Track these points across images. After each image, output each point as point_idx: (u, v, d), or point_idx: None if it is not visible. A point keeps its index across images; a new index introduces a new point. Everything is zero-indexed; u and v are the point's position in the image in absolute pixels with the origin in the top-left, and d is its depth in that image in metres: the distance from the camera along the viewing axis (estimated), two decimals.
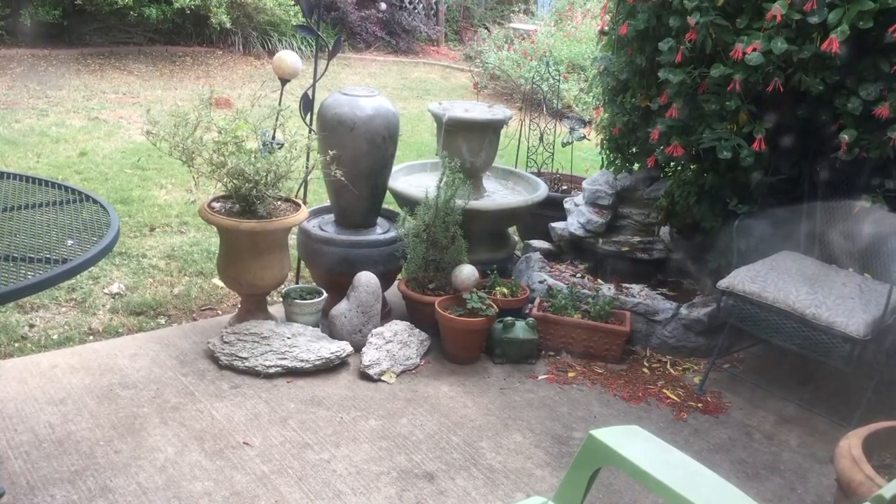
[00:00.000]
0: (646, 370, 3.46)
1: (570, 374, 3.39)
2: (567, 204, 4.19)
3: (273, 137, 3.34)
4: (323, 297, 3.55)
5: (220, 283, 3.83)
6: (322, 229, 3.70)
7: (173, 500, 2.43)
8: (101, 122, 7.03)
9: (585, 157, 6.23)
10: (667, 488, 1.42)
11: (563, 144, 4.88)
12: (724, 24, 3.06)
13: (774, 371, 3.50)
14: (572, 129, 4.87)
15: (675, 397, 3.25)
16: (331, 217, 3.83)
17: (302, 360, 3.18)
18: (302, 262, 3.94)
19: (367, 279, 3.45)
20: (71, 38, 9.48)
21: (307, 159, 3.50)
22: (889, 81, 2.86)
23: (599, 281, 3.84)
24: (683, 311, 3.56)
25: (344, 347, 3.29)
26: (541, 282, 3.77)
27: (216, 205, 3.33)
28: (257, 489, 2.51)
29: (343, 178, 3.31)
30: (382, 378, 3.21)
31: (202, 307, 3.83)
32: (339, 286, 3.55)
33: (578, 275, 3.90)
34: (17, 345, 3.34)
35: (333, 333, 3.42)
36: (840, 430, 2.74)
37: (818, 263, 3.28)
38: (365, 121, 3.46)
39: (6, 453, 2.58)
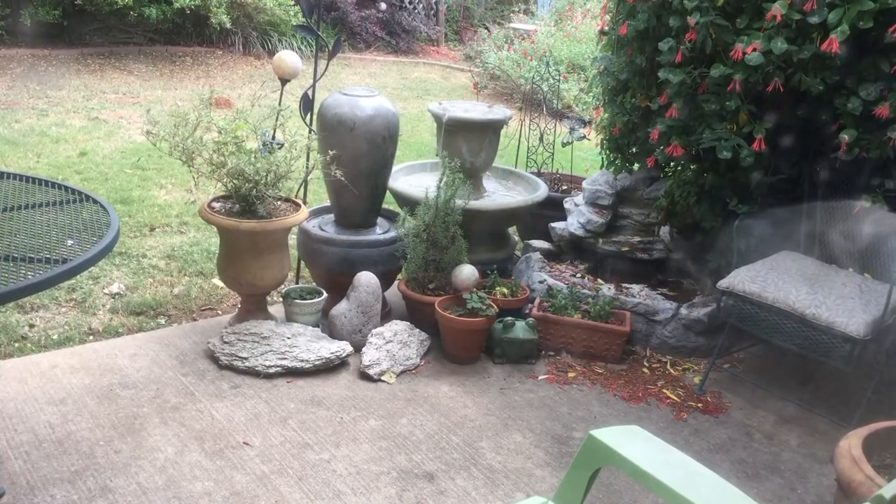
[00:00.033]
0: (646, 370, 3.46)
1: (570, 374, 3.39)
2: (567, 204, 4.19)
3: (273, 137, 3.34)
4: (323, 297, 3.55)
5: (220, 283, 3.83)
6: (322, 229, 3.70)
7: (173, 500, 2.43)
8: (101, 122, 7.03)
9: (585, 157, 6.23)
10: (667, 488, 1.42)
11: (563, 144, 4.88)
12: (724, 24, 3.06)
13: (774, 371, 3.50)
14: (572, 129, 4.87)
15: (675, 397, 3.25)
16: (331, 217, 3.83)
17: (302, 360, 3.18)
18: (302, 262, 3.94)
19: (367, 279, 3.45)
20: (71, 38, 9.48)
21: (307, 159, 3.50)
22: (889, 81, 2.86)
23: (599, 281, 3.84)
24: (683, 311, 3.56)
25: (344, 347, 3.29)
26: (541, 282, 3.77)
27: (216, 205, 3.33)
28: (257, 489, 2.51)
29: (343, 178, 3.31)
30: (382, 378, 3.21)
31: (202, 307, 3.84)
32: (339, 286, 3.55)
33: (578, 275, 3.90)
34: (17, 345, 3.34)
35: (333, 333, 3.42)
36: (840, 430, 2.74)
37: (818, 263, 3.28)
38: (365, 121, 3.46)
39: (6, 453, 2.58)
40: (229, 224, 3.19)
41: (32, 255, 2.12)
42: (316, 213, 3.86)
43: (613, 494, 2.61)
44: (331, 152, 3.31)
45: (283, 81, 3.74)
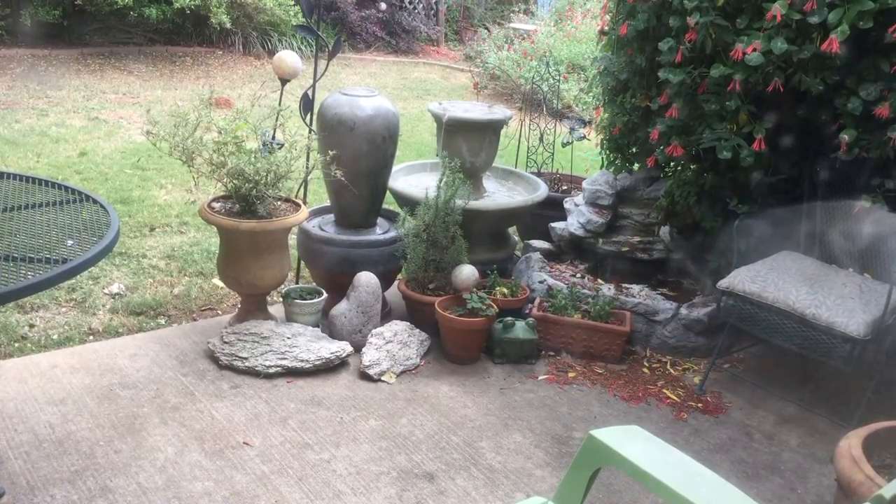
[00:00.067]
0: (646, 370, 3.46)
1: (570, 374, 3.39)
2: (567, 204, 4.19)
3: (273, 137, 3.34)
4: (323, 297, 3.55)
5: (220, 283, 3.83)
6: (322, 229, 3.70)
7: (173, 500, 2.43)
8: (101, 122, 7.03)
9: (585, 157, 6.23)
10: (667, 488, 1.42)
11: (563, 144, 4.88)
12: (724, 24, 3.06)
13: (774, 371, 3.50)
14: (572, 129, 4.87)
15: (675, 397, 3.25)
16: (331, 217, 3.83)
17: (302, 360, 3.18)
18: (302, 262, 3.94)
19: (367, 279, 3.45)
20: (71, 38, 9.48)
21: (307, 159, 3.50)
22: (889, 81, 2.86)
23: (599, 281, 3.84)
24: (683, 311, 3.56)
25: (344, 347, 3.29)
26: (541, 282, 3.77)
27: (216, 205, 3.34)
28: (257, 489, 2.51)
29: (343, 178, 3.31)
30: (382, 378, 3.21)
31: (202, 307, 3.83)
32: (339, 286, 3.55)
33: (578, 275, 3.90)
34: (17, 345, 3.34)
35: (333, 333, 3.42)
36: (840, 430, 2.74)
37: (818, 263, 3.28)
38: (365, 121, 3.46)
39: (6, 453, 2.58)
40: (229, 224, 3.19)
41: (32, 255, 2.12)
42: (316, 213, 3.86)
43: (613, 494, 2.61)
44: (331, 152, 3.31)
45: (283, 81, 3.74)
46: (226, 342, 3.24)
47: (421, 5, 12.47)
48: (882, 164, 3.02)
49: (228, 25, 9.44)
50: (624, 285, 3.78)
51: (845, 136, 2.95)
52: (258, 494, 2.48)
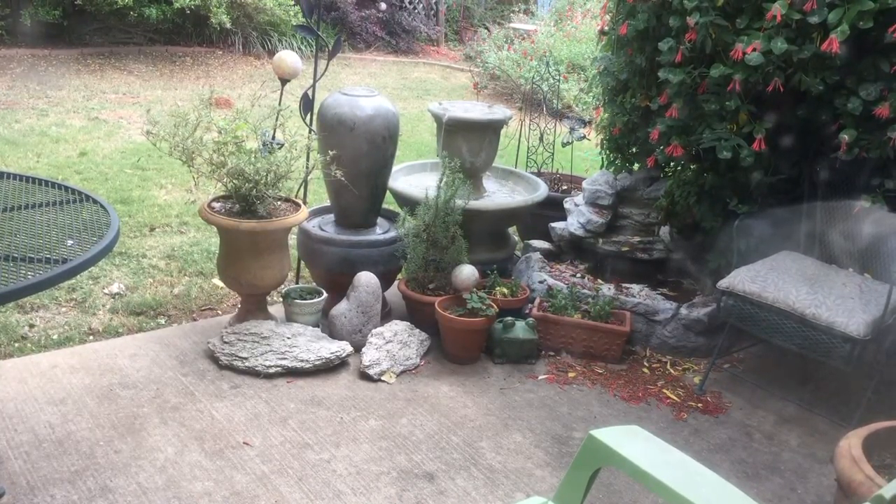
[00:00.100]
0: (646, 370, 3.46)
1: (570, 374, 3.39)
2: (567, 204, 4.19)
3: (273, 137, 3.34)
4: (323, 297, 3.55)
5: (220, 283, 3.83)
6: (322, 229, 3.70)
7: (173, 500, 2.43)
8: (101, 122, 7.03)
9: (585, 157, 6.23)
10: (667, 488, 1.42)
11: (563, 144, 4.88)
12: (724, 24, 3.06)
13: (774, 371, 3.50)
14: (572, 129, 4.87)
15: (675, 397, 3.25)
16: (331, 217, 3.83)
17: (302, 360, 3.18)
18: (302, 262, 3.94)
19: (367, 279, 3.45)
20: (71, 38, 9.48)
21: (307, 159, 3.50)
22: (889, 81, 2.86)
23: (599, 281, 3.84)
24: (683, 311, 3.56)
25: (344, 347, 3.29)
26: (541, 282, 3.77)
27: (216, 205, 3.34)
28: (257, 489, 2.51)
29: (343, 178, 3.31)
30: (382, 378, 3.21)
31: (202, 307, 3.84)
32: (339, 286, 3.55)
33: (578, 275, 3.90)
34: (17, 345, 3.34)
35: (333, 333, 3.42)
36: (840, 430, 2.74)
37: (818, 263, 3.28)
38: (365, 121, 3.46)
39: (6, 453, 2.58)
40: (229, 224, 3.19)
41: (32, 255, 2.12)
42: (316, 213, 3.86)
43: (613, 494, 2.61)
44: (331, 152, 3.31)
45: (283, 81, 3.74)
46: (226, 342, 3.24)
47: (421, 5, 12.47)
48: (882, 164, 3.02)
49: (228, 25, 9.44)
50: (624, 285, 3.78)
51: (845, 136, 2.95)
52: (258, 494, 2.48)
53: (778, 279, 3.06)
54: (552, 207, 4.19)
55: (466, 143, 3.80)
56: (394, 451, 2.75)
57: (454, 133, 3.80)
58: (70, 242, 2.25)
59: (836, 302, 2.90)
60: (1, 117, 6.84)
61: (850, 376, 3.07)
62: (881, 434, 2.29)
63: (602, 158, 4.28)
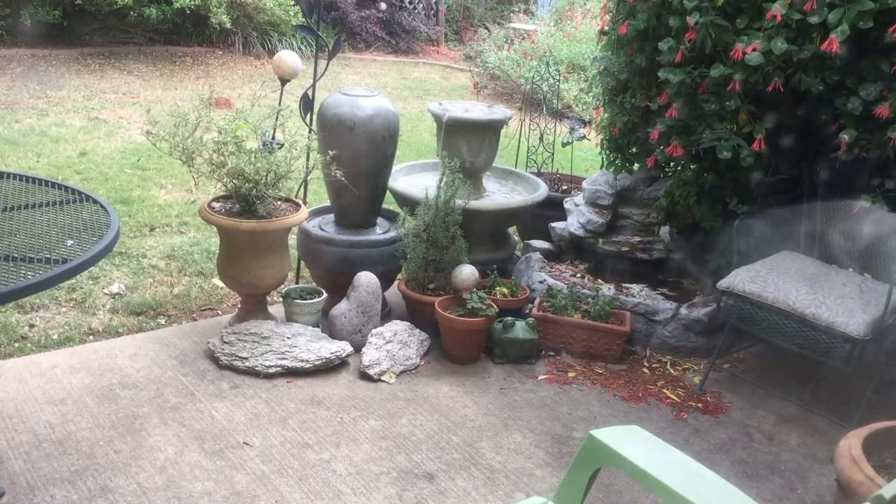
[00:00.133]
0: (646, 370, 3.46)
1: (570, 374, 3.39)
2: (567, 204, 4.19)
3: (273, 137, 3.34)
4: (323, 297, 3.55)
5: (220, 283, 3.83)
6: (322, 229, 3.70)
7: (173, 500, 2.43)
8: (101, 122, 7.03)
9: (585, 157, 6.23)
10: (667, 488, 1.42)
11: (563, 144, 4.88)
12: (723, 24, 3.06)
13: (774, 371, 3.50)
14: (572, 129, 4.87)
15: (675, 397, 3.25)
16: (331, 217, 3.83)
17: (302, 360, 3.18)
18: (302, 262, 3.94)
19: (367, 279, 3.45)
20: (71, 38, 9.48)
21: (307, 159, 3.50)
22: (889, 81, 2.86)
23: (599, 281, 3.84)
24: (683, 311, 3.56)
25: (344, 347, 3.29)
26: (541, 282, 3.77)
27: (216, 205, 3.34)
28: (257, 489, 2.51)
29: (343, 178, 3.31)
30: (382, 378, 3.21)
31: (202, 307, 3.84)
32: (339, 286, 3.55)
33: (578, 275, 3.90)
34: (17, 345, 3.34)
35: (333, 333, 3.42)
36: (840, 430, 2.74)
37: (818, 263, 3.28)
38: (365, 121, 3.46)
39: (6, 453, 2.58)
40: (229, 224, 3.19)
41: (32, 255, 2.12)
42: (316, 213, 3.86)
43: (613, 494, 2.61)
44: (331, 152, 3.31)
45: (283, 81, 3.74)
46: (226, 342, 3.24)
47: (421, 5, 12.47)
48: (882, 164, 3.02)
49: (228, 25, 9.44)
50: (624, 285, 3.78)
51: (845, 136, 2.95)
52: (258, 494, 2.48)
53: (778, 279, 3.06)
54: (552, 207, 4.19)
55: (466, 143, 3.80)
56: (394, 451, 2.75)
57: (454, 133, 3.80)
58: (70, 242, 2.25)
59: (836, 302, 2.90)
60: (1, 117, 6.84)
61: (850, 376, 3.07)
62: (881, 434, 2.29)
63: (602, 158, 4.28)
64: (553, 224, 4.18)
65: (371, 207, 3.70)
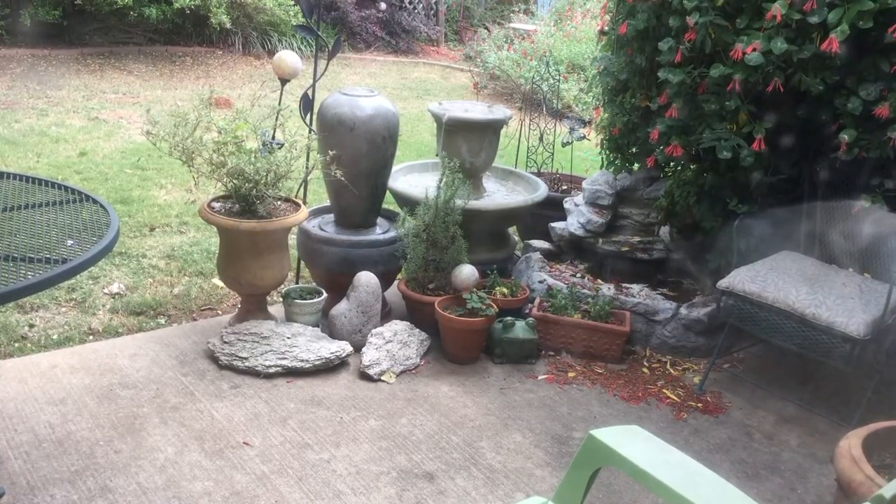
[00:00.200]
0: (646, 370, 3.46)
1: (570, 374, 3.39)
2: (567, 204, 4.19)
3: (273, 137, 3.34)
4: (323, 297, 3.55)
5: (220, 283, 3.83)
6: (322, 229, 3.70)
7: (173, 500, 2.43)
8: (101, 122, 7.03)
9: (585, 157, 6.23)
10: (667, 488, 1.42)
11: (563, 144, 4.88)
12: (723, 24, 3.06)
13: (774, 371, 3.50)
14: (572, 129, 4.87)
15: (675, 397, 3.25)
16: (331, 217, 3.83)
17: (302, 360, 3.18)
18: (302, 262, 3.94)
19: (367, 279, 3.45)
20: (71, 38, 9.48)
21: (307, 159, 3.50)
22: (889, 81, 2.86)
23: (599, 281, 3.84)
24: (683, 311, 3.56)
25: (344, 347, 3.29)
26: (541, 282, 3.77)
27: (216, 205, 3.34)
28: (257, 489, 2.51)
29: (343, 178, 3.31)
30: (382, 378, 3.21)
31: (202, 307, 3.83)
32: (339, 286, 3.55)
33: (578, 275, 3.90)
34: (17, 345, 3.34)
35: (333, 333, 3.42)
36: (840, 430, 2.74)
37: (818, 263, 3.28)
38: (365, 121, 3.46)
39: (6, 453, 2.58)
40: (229, 224, 3.19)
41: (32, 255, 2.12)
42: (316, 213, 3.86)
43: (613, 494, 2.61)
44: (331, 152, 3.31)
45: (283, 81, 3.74)
46: (226, 342, 3.24)
47: (421, 5, 12.47)
48: (882, 164, 3.02)
49: (228, 25, 9.44)
50: (624, 285, 3.78)
51: (845, 136, 2.95)
52: (258, 494, 2.48)
53: (778, 279, 3.06)
54: (552, 207, 4.19)
55: (466, 143, 3.81)
56: (394, 451, 2.75)
57: (454, 133, 3.80)
58: (70, 242, 2.25)
59: (836, 302, 2.90)
60: (1, 117, 6.84)
61: (850, 376, 3.07)
62: (881, 434, 2.29)
63: (602, 158, 4.28)
64: (553, 224, 4.18)
65: (371, 207, 3.70)
